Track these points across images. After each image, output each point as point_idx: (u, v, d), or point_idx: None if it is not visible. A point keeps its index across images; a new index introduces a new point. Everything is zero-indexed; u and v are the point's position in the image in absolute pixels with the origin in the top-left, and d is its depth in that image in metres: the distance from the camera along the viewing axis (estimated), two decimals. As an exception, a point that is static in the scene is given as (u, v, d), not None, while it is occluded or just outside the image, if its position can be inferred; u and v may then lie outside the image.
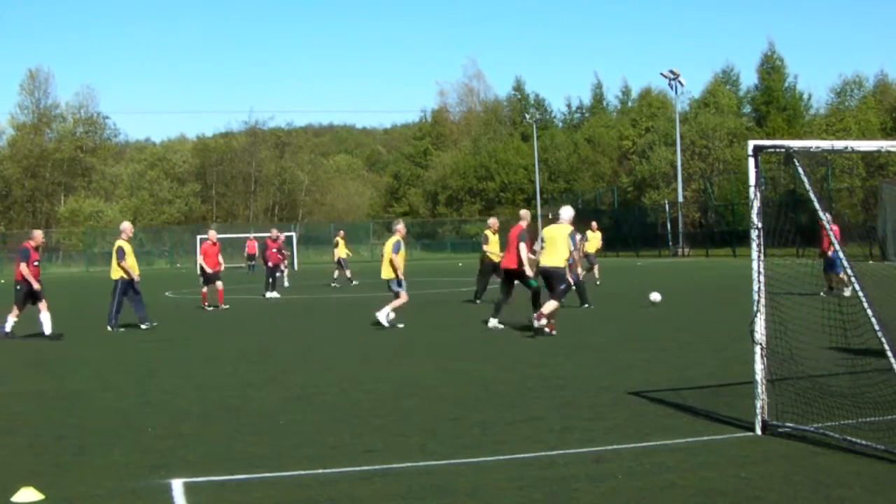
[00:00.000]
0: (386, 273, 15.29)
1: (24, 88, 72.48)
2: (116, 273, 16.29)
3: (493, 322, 14.46)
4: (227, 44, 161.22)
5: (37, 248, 15.57)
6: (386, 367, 10.80)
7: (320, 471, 5.95)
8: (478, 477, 5.70)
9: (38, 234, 16.12)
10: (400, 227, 16.06)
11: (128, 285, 16.32)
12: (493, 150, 74.00)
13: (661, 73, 51.79)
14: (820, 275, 18.31)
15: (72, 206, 68.80)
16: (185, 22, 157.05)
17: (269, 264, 24.86)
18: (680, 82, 51.01)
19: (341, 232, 31.25)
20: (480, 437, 6.80)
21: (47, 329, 15.09)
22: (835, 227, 20.06)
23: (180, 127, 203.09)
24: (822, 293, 17.27)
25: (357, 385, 9.43)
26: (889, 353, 6.22)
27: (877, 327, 6.23)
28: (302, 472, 5.92)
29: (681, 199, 55.06)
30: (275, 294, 24.55)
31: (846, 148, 6.92)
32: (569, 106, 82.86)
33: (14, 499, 5.38)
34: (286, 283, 30.46)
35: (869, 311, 6.35)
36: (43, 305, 15.23)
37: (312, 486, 5.63)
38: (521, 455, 6.19)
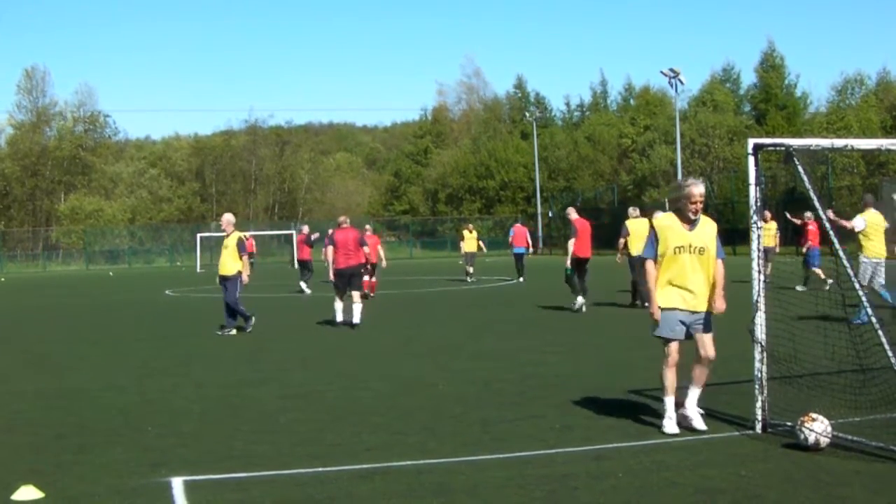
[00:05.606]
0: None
1: (22, 88, 72.60)
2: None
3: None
4: (227, 43, 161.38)
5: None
6: (386, 365, 10.80)
7: (320, 469, 5.95)
8: (478, 475, 5.70)
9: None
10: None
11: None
12: (493, 149, 74.01)
13: (661, 72, 51.57)
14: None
15: (72, 204, 68.81)
16: (186, 21, 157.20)
17: None
18: (680, 80, 50.82)
19: (470, 226, 30.62)
20: (480, 436, 6.80)
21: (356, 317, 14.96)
22: (813, 226, 23.08)
23: (180, 125, 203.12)
24: (797, 287, 17.84)
25: (357, 383, 9.44)
26: (889, 352, 6.22)
27: (877, 326, 6.23)
28: (301, 471, 5.92)
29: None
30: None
31: (846, 146, 6.90)
32: (568, 104, 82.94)
33: (14, 497, 5.38)
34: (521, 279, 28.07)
35: (869, 310, 6.35)
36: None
37: (312, 484, 5.62)
38: (522, 453, 6.19)
